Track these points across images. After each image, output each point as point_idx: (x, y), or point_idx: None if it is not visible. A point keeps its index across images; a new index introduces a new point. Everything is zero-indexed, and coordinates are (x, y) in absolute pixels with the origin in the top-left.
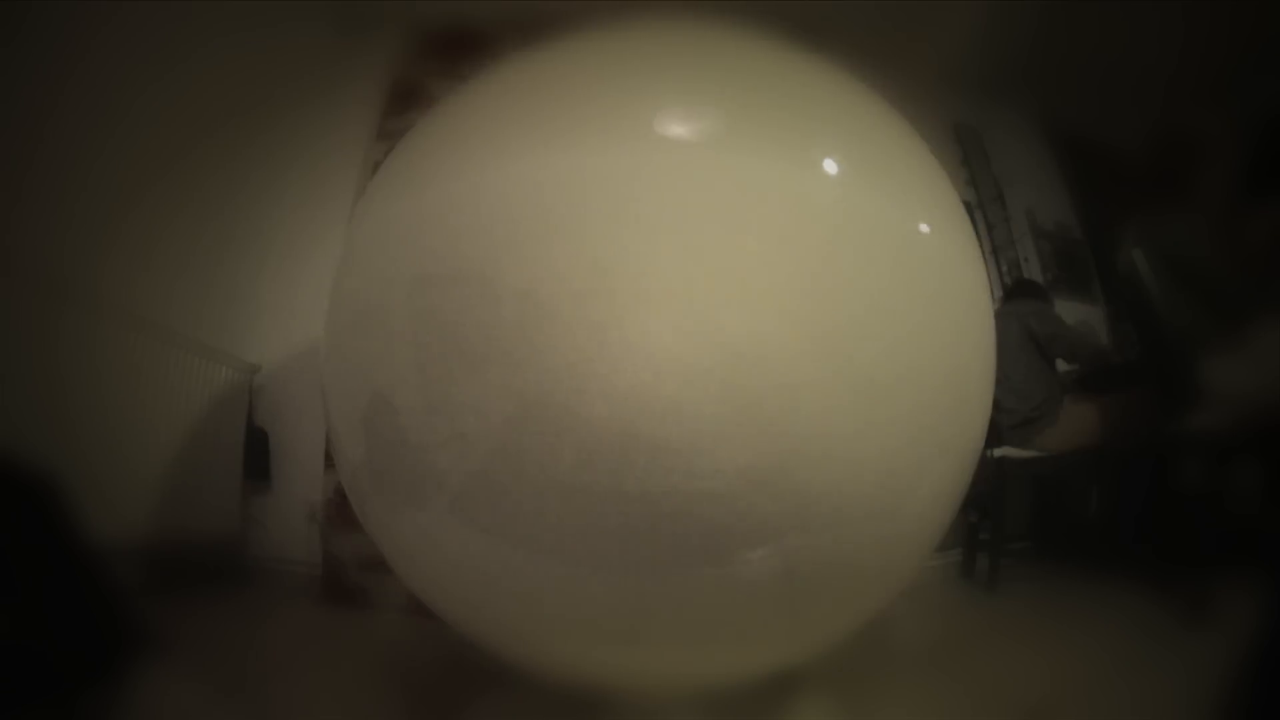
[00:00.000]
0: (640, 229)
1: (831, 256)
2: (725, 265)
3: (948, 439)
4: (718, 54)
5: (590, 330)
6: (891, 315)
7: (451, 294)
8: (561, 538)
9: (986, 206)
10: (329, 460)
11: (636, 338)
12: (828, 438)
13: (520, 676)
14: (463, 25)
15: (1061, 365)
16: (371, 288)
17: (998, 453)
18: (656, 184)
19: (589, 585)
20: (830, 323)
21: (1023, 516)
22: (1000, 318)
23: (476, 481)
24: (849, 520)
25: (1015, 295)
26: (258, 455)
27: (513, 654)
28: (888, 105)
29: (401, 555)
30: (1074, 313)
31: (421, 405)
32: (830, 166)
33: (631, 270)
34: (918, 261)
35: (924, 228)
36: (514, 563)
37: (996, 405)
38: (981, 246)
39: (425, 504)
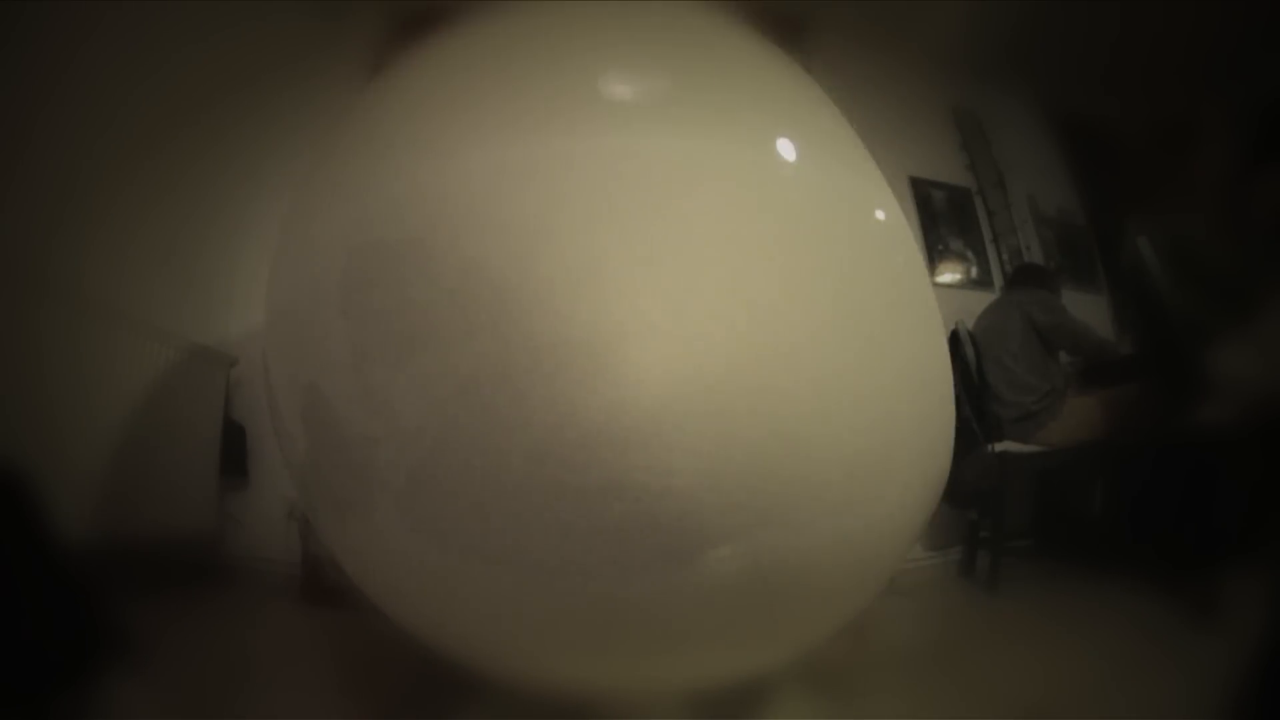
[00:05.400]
0: (593, 217)
1: (795, 242)
2: (684, 253)
3: (913, 426)
4: (664, 30)
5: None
6: (856, 302)
7: (390, 272)
8: (517, 540)
9: (986, 192)
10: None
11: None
12: (793, 428)
13: (496, 682)
14: (442, 7)
15: (1063, 357)
16: (307, 268)
17: (998, 448)
18: (615, 170)
19: (550, 590)
20: (797, 310)
21: (1024, 514)
22: (1001, 306)
23: (421, 480)
24: (819, 514)
25: (1017, 283)
26: (235, 451)
27: (478, 665)
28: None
29: (354, 564)
30: (1077, 303)
31: (358, 395)
32: (793, 152)
33: (588, 258)
34: (875, 243)
35: (880, 213)
36: (469, 569)
37: (996, 398)
38: (981, 234)
39: (370, 506)
